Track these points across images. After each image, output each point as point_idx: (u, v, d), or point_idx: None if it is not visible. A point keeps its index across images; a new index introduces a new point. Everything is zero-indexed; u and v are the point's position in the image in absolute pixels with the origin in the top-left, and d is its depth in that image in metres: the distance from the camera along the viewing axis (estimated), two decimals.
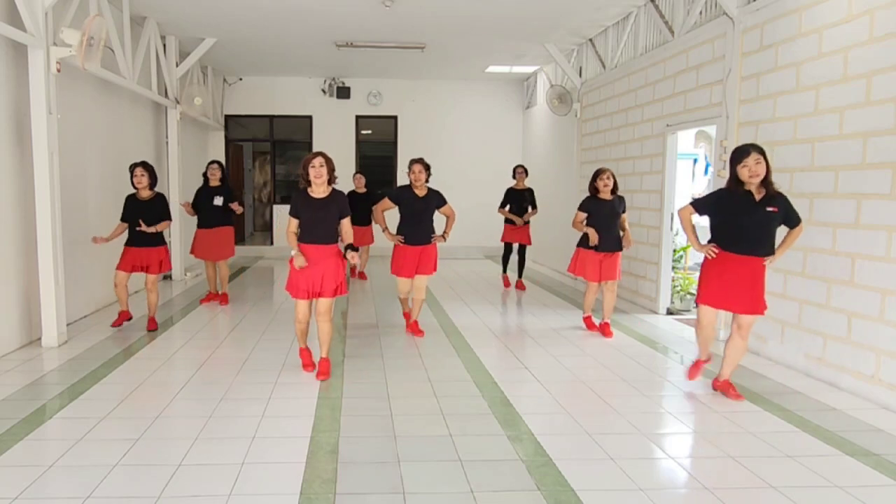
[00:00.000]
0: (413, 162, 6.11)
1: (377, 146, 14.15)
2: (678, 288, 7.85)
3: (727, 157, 6.16)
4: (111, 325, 6.48)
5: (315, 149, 13.68)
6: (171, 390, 4.68)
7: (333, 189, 4.90)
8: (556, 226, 10.62)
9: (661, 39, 7.77)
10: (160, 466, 3.42)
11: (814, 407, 4.44)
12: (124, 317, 6.49)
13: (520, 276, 9.42)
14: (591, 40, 9.89)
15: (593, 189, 6.36)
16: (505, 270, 9.66)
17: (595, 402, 4.54)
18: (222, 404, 4.40)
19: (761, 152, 4.27)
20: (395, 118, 13.87)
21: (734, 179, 4.37)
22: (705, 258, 4.52)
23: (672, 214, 7.57)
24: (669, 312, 7.60)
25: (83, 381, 4.85)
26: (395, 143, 13.93)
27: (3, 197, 5.57)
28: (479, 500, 3.12)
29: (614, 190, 6.35)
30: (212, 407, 4.33)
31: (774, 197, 4.33)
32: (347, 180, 14.45)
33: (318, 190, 4.82)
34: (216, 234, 7.67)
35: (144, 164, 6.26)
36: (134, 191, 6.29)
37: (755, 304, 4.42)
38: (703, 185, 10.80)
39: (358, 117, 13.77)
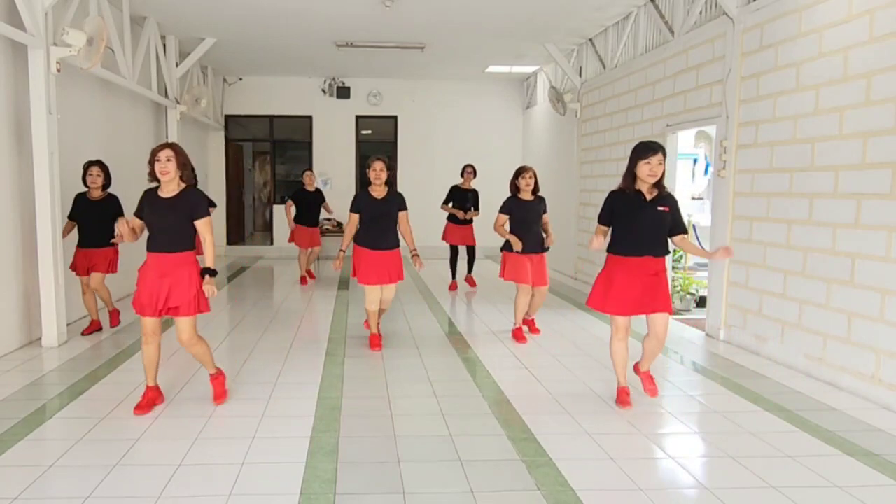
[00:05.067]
0: (374, 159, 5.63)
1: (377, 146, 14.12)
2: (678, 288, 7.85)
3: (727, 157, 6.20)
4: (81, 333, 6.23)
5: (315, 149, 13.70)
6: (172, 390, 4.67)
7: (189, 187, 4.17)
8: (554, 226, 10.61)
9: (661, 39, 7.77)
10: (160, 466, 3.42)
11: (814, 407, 4.44)
12: (95, 326, 6.33)
13: (469, 271, 9.38)
14: (591, 40, 9.90)
15: (514, 188, 6.15)
16: (454, 276, 9.33)
17: (595, 402, 4.54)
18: (222, 404, 4.40)
19: (665, 154, 4.23)
20: (395, 118, 13.87)
21: (630, 175, 4.26)
22: (606, 262, 4.40)
23: None
24: None
25: (83, 381, 4.85)
26: (395, 143, 13.92)
27: (3, 197, 5.57)
28: (479, 500, 3.12)
29: (535, 190, 6.15)
30: (212, 407, 4.34)
31: (665, 197, 4.27)
32: (348, 180, 14.36)
33: (167, 188, 4.10)
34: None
35: (100, 164, 6.04)
36: (85, 189, 6.04)
37: (661, 304, 4.28)
38: (702, 185, 10.80)
39: (358, 117, 13.76)
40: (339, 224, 13.10)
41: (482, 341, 6.27)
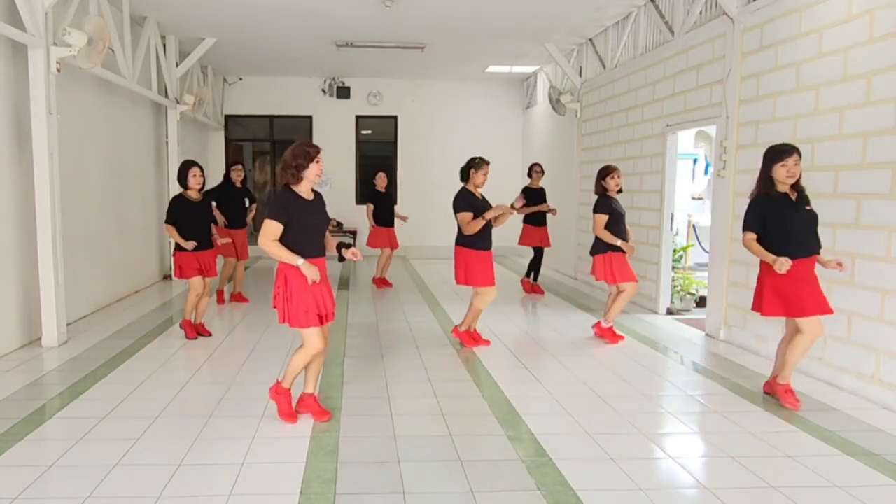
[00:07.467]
0: (484, 161, 5.71)
1: (377, 146, 14.15)
2: (678, 288, 7.85)
3: (727, 157, 6.20)
4: (186, 337, 6.15)
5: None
6: (171, 390, 4.67)
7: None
8: (555, 226, 10.61)
9: (661, 39, 7.77)
10: (160, 466, 3.42)
11: (814, 407, 4.44)
12: (202, 331, 6.32)
13: (535, 279, 9.05)
14: (591, 40, 9.90)
15: (602, 188, 6.06)
16: (536, 279, 9.07)
17: (595, 402, 4.54)
18: (222, 404, 4.40)
19: (801, 155, 4.27)
20: (395, 118, 13.87)
21: (766, 180, 4.32)
22: (763, 270, 4.38)
23: (672, 214, 7.57)
24: (669, 312, 7.59)
25: (83, 381, 4.85)
26: (395, 143, 13.93)
27: (3, 197, 5.57)
28: (479, 500, 3.12)
29: (620, 189, 6.14)
30: (212, 407, 4.34)
31: (806, 197, 4.36)
32: (348, 180, 14.46)
33: (308, 190, 3.93)
34: (241, 235, 7.82)
35: (199, 164, 6.07)
36: (181, 191, 5.97)
37: (825, 304, 4.33)
38: (702, 185, 10.81)
39: (358, 117, 13.76)
40: (339, 224, 13.10)
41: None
